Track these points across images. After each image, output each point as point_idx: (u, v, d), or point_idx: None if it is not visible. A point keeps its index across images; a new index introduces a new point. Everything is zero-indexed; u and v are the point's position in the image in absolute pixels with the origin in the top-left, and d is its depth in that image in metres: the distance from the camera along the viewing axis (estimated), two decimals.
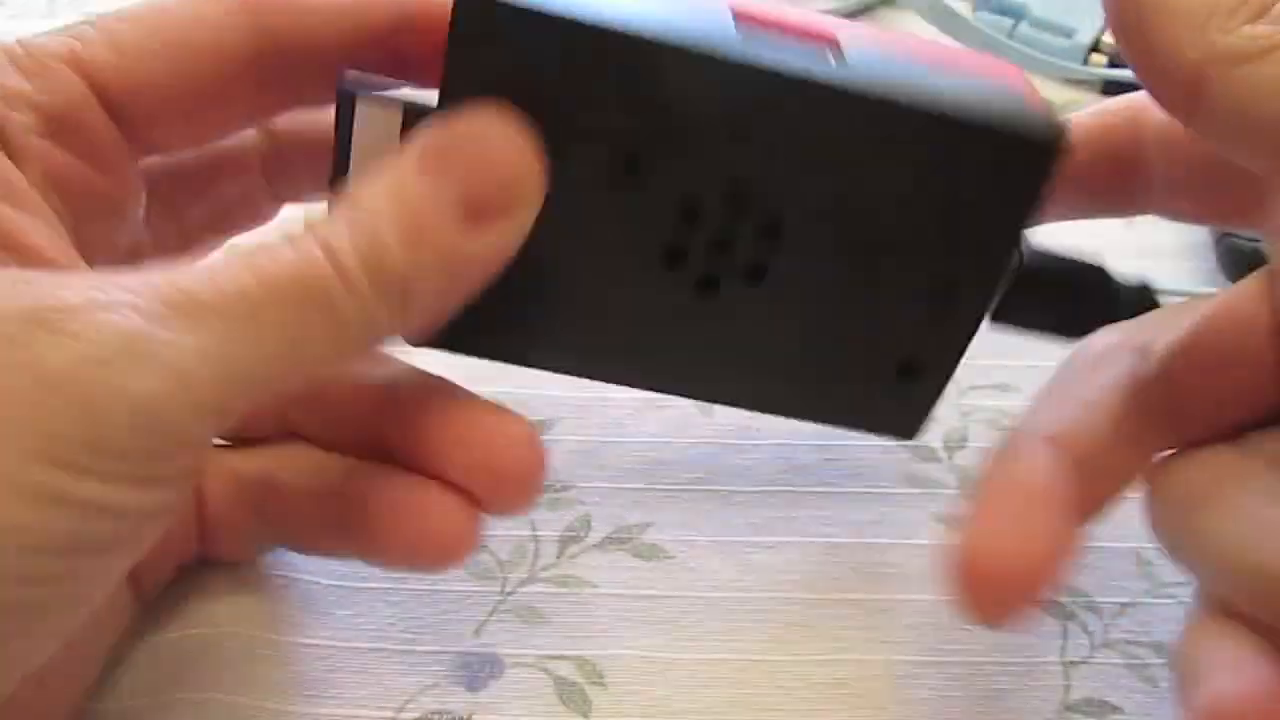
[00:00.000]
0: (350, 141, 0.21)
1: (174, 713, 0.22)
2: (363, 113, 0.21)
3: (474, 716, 0.22)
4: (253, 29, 0.21)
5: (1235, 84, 0.17)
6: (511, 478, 0.21)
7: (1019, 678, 0.23)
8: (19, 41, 0.20)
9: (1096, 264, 0.24)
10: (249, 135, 0.24)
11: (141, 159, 0.22)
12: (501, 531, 0.26)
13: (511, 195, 0.19)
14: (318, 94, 0.22)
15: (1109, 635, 0.24)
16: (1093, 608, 0.25)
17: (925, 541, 0.26)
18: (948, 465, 0.28)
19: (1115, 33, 0.18)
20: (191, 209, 0.24)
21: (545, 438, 0.28)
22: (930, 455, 0.28)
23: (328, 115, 0.21)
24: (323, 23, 0.21)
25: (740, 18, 0.20)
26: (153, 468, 0.17)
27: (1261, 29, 0.17)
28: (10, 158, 0.19)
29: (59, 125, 0.20)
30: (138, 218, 0.22)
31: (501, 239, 0.19)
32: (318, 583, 0.25)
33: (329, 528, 0.23)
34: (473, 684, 0.23)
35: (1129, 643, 0.24)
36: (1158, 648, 0.24)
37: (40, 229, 0.19)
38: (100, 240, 0.21)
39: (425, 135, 0.19)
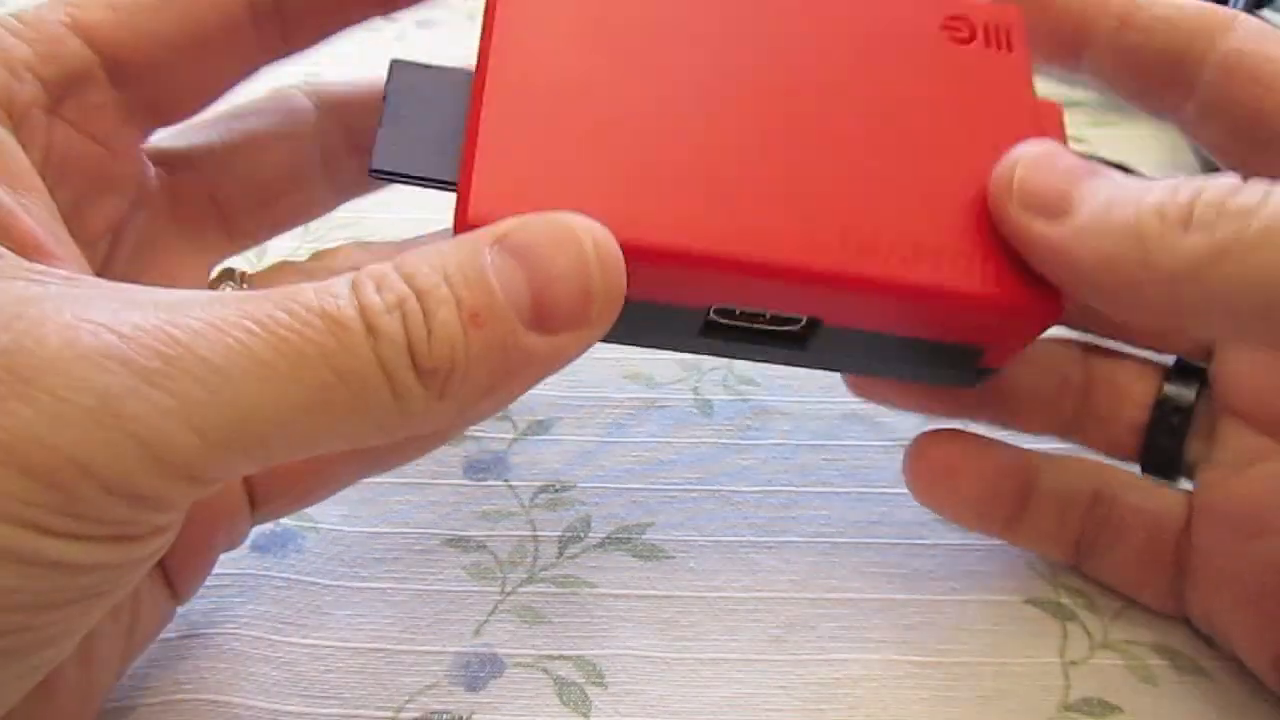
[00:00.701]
0: (389, 110, 0.21)
1: (173, 713, 0.22)
2: (400, 77, 0.21)
3: (474, 716, 0.22)
4: None
5: (1204, 294, 0.17)
6: None
7: (1019, 678, 0.23)
8: (13, 14, 0.20)
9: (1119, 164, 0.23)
10: (306, 119, 0.24)
11: (146, 131, 0.21)
12: (502, 531, 0.26)
13: (588, 312, 0.18)
14: (318, 31, 0.22)
15: (1109, 635, 0.24)
16: (1093, 608, 0.25)
17: (926, 541, 0.26)
18: None
19: (1073, 293, 0.20)
20: (235, 193, 0.24)
21: (545, 438, 0.29)
22: None
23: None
24: None
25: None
26: (125, 528, 0.16)
27: (1198, 238, 0.17)
28: (14, 133, 0.19)
29: (63, 96, 0.20)
30: (140, 192, 0.22)
31: (565, 349, 0.18)
32: (317, 583, 0.25)
33: None
34: (472, 684, 0.23)
35: (1129, 642, 0.24)
36: (1157, 648, 0.24)
37: (36, 212, 0.18)
38: (98, 217, 0.21)
39: (513, 222, 0.18)
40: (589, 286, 0.18)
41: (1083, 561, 0.25)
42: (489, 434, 0.29)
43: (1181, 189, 0.18)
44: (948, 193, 0.21)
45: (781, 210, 0.20)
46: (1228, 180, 0.18)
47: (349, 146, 0.24)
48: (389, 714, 0.22)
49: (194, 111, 0.22)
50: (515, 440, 0.28)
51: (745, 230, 0.20)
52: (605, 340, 0.19)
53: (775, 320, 0.21)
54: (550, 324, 0.17)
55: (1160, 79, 0.22)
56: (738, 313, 0.21)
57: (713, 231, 0.20)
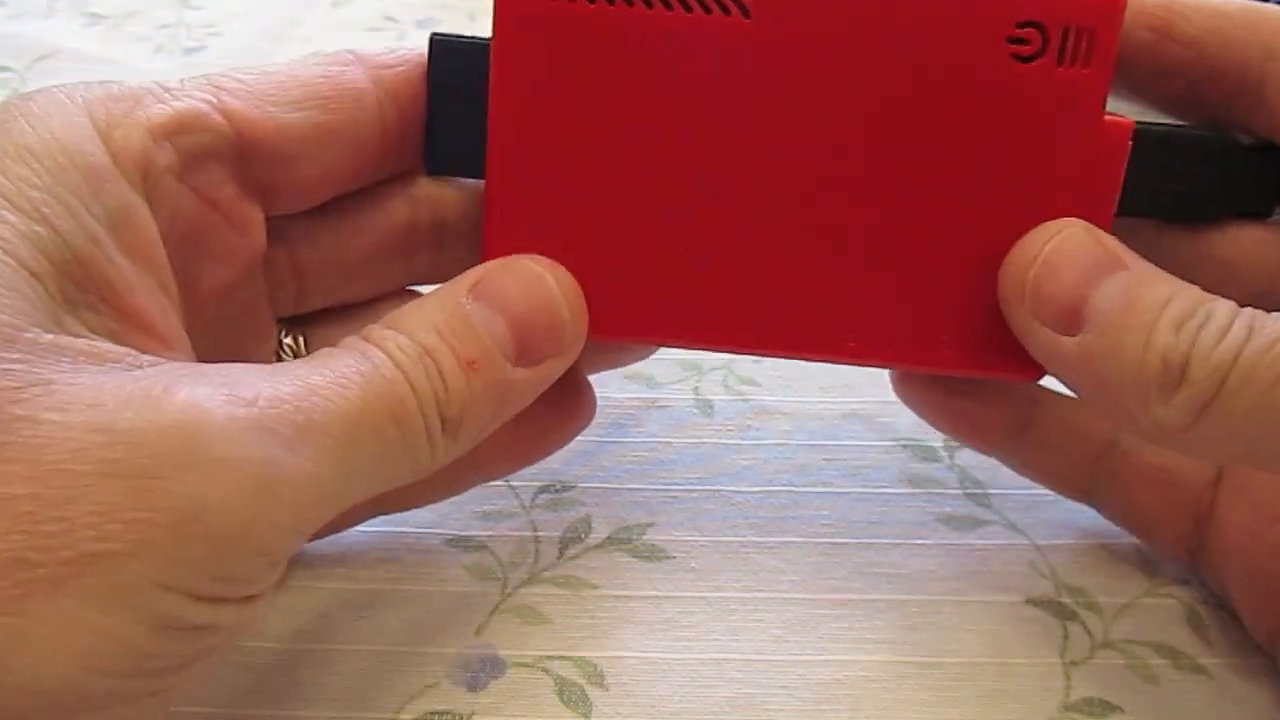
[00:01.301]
0: (434, 100, 0.21)
1: None
2: (441, 57, 0.21)
3: (474, 716, 0.22)
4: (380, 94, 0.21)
5: (1195, 444, 0.19)
6: None
7: (1020, 678, 0.23)
8: (160, 83, 0.20)
9: (1212, 129, 0.22)
10: (402, 206, 0.24)
11: (265, 211, 0.21)
12: (503, 532, 0.26)
13: (562, 341, 0.21)
14: None
15: (1110, 635, 0.24)
16: (1093, 607, 0.25)
17: (926, 541, 0.26)
18: (948, 465, 0.28)
19: (1072, 390, 0.21)
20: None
21: None
22: (930, 455, 0.28)
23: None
24: None
25: None
26: (256, 587, 0.17)
27: (1187, 394, 0.18)
28: (145, 197, 0.19)
29: (196, 167, 0.20)
30: (252, 272, 0.22)
31: (547, 376, 0.21)
32: (318, 587, 0.25)
33: None
34: (473, 684, 0.23)
35: (1130, 642, 0.24)
36: (1159, 647, 0.24)
37: (149, 287, 0.18)
38: (210, 282, 0.21)
39: (479, 271, 0.20)
40: (560, 319, 0.21)
41: (1093, 498, 0.25)
42: None
43: (1187, 327, 0.18)
44: (957, 270, 0.21)
45: (772, 303, 0.21)
46: (1224, 313, 0.18)
47: (433, 231, 0.24)
48: (389, 714, 0.22)
49: (311, 204, 0.22)
50: None
51: (720, 326, 0.21)
52: None
53: None
54: (532, 357, 0.20)
55: (1213, 95, 0.21)
56: None
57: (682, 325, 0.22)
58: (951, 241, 0.21)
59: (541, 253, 0.21)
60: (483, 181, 0.22)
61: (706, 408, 0.30)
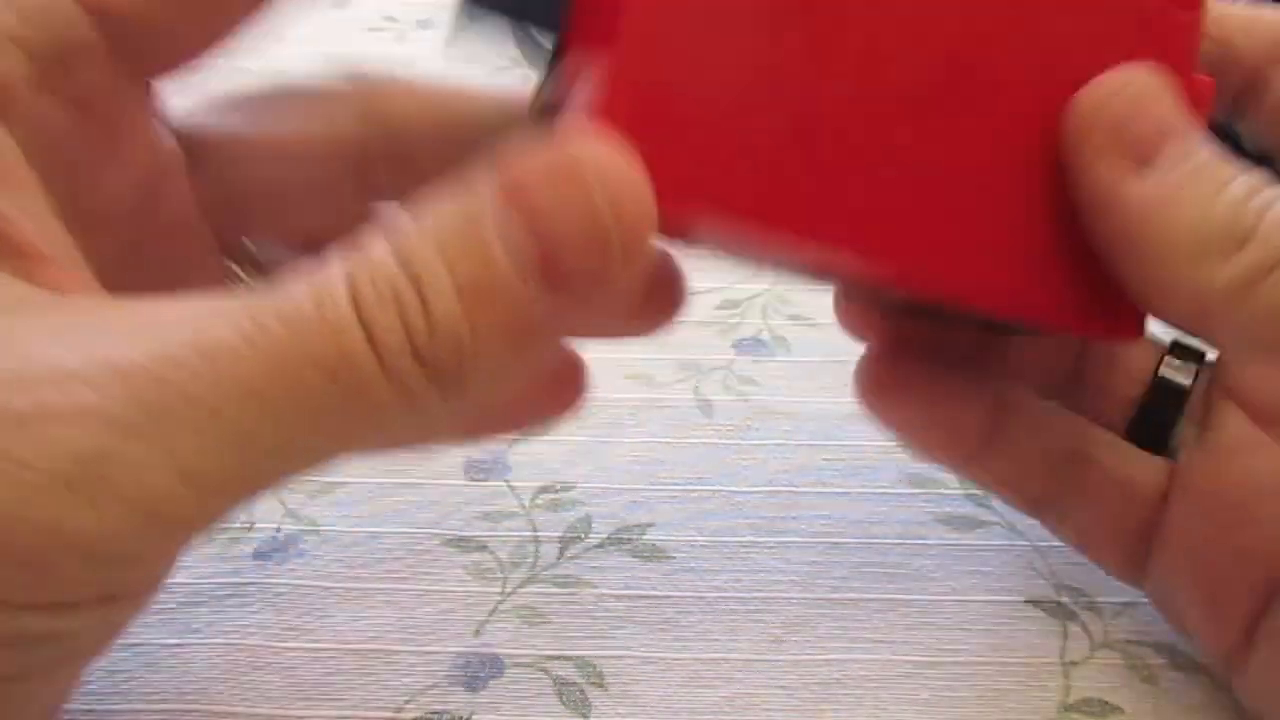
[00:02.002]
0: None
1: None
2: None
3: (474, 717, 0.22)
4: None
5: (1245, 315, 0.17)
6: None
7: (1019, 678, 0.23)
8: None
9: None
10: (347, 125, 0.21)
11: (147, 91, 0.19)
12: (502, 532, 0.26)
13: (607, 267, 0.15)
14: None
15: (1109, 635, 0.24)
16: (1093, 608, 0.25)
17: (925, 541, 0.26)
18: None
19: (1100, 245, 0.19)
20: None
21: (546, 438, 0.29)
22: None
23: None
24: None
25: None
26: (114, 588, 0.15)
27: (1252, 255, 0.17)
28: (0, 117, 0.16)
29: (55, 69, 0.17)
30: (155, 167, 0.20)
31: (576, 310, 0.15)
32: (318, 586, 0.25)
33: None
34: (472, 684, 0.23)
35: (1129, 642, 0.24)
36: (1158, 647, 0.24)
37: (25, 207, 0.16)
38: (102, 200, 0.18)
39: (511, 165, 0.15)
40: (604, 238, 0.15)
41: (1043, 515, 0.24)
42: None
43: (1259, 197, 0.18)
44: (1054, 217, 0.20)
45: (890, 200, 0.18)
46: None
47: (389, 156, 0.21)
48: (389, 714, 0.22)
49: (193, 58, 0.19)
50: (516, 440, 0.28)
51: (857, 226, 0.18)
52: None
53: None
54: (563, 286, 0.15)
55: (1231, 89, 0.22)
56: None
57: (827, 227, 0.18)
58: (1047, 188, 0.20)
59: (647, 124, 0.16)
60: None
61: (707, 407, 0.30)
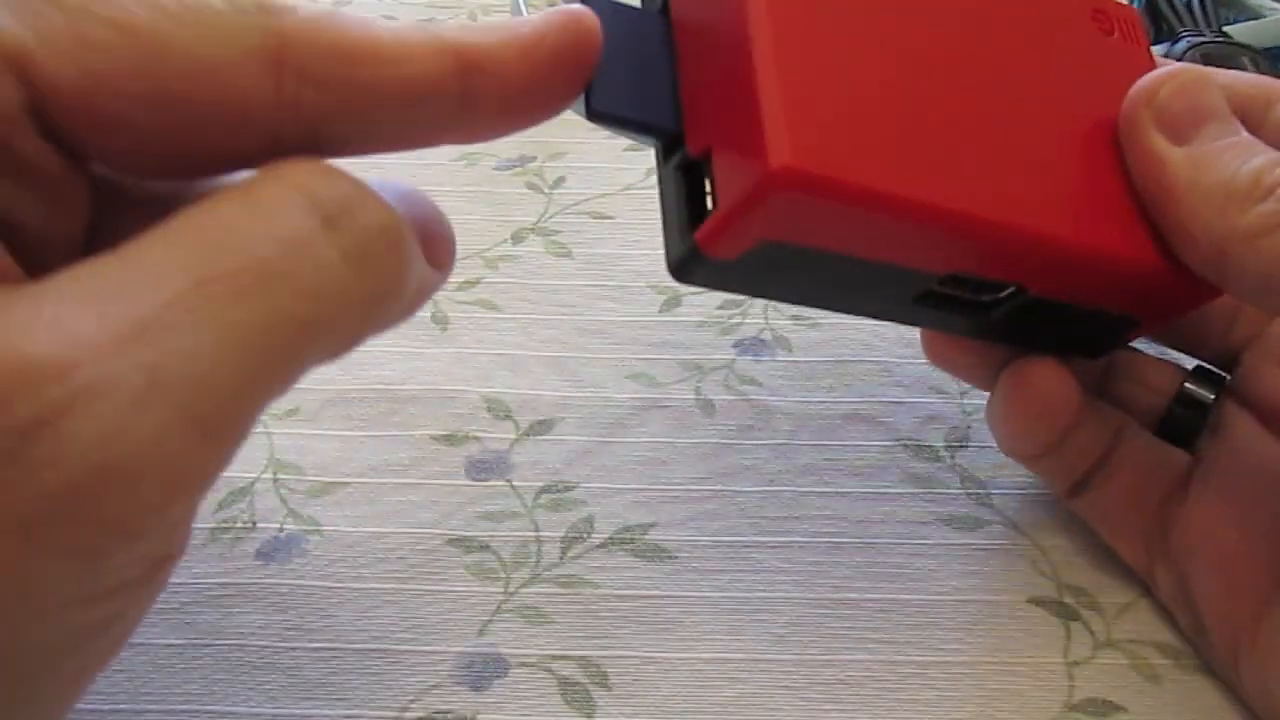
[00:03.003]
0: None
1: None
2: (599, 15, 0.20)
3: (478, 716, 0.22)
4: (281, 106, 0.16)
5: (1254, 257, 0.20)
6: None
7: (1023, 678, 0.23)
8: None
9: None
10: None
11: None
12: (505, 532, 0.26)
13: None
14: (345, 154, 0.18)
15: (1112, 635, 0.24)
16: (1095, 607, 0.25)
17: (928, 541, 0.26)
18: (949, 465, 0.28)
19: (1146, 206, 0.22)
20: None
21: (547, 438, 0.28)
22: (931, 455, 0.28)
23: None
24: (374, 103, 0.17)
25: None
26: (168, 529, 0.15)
27: (1271, 205, 0.20)
28: None
29: None
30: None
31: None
32: (321, 586, 0.25)
33: None
34: (477, 684, 0.23)
35: (1132, 642, 0.24)
36: (1161, 647, 0.24)
37: None
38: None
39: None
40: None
41: (1078, 499, 0.26)
42: (491, 434, 0.29)
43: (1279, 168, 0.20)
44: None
45: (1018, 178, 0.21)
46: None
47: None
48: (393, 714, 0.22)
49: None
50: (517, 440, 0.28)
51: (999, 197, 0.20)
52: (807, 303, 0.22)
53: (983, 288, 0.22)
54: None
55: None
56: (963, 280, 0.22)
57: (980, 198, 0.20)
58: (1099, 161, 0.22)
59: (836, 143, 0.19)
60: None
61: (708, 407, 0.30)
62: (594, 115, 0.20)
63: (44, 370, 0.14)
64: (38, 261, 0.16)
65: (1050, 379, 0.24)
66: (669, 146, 0.21)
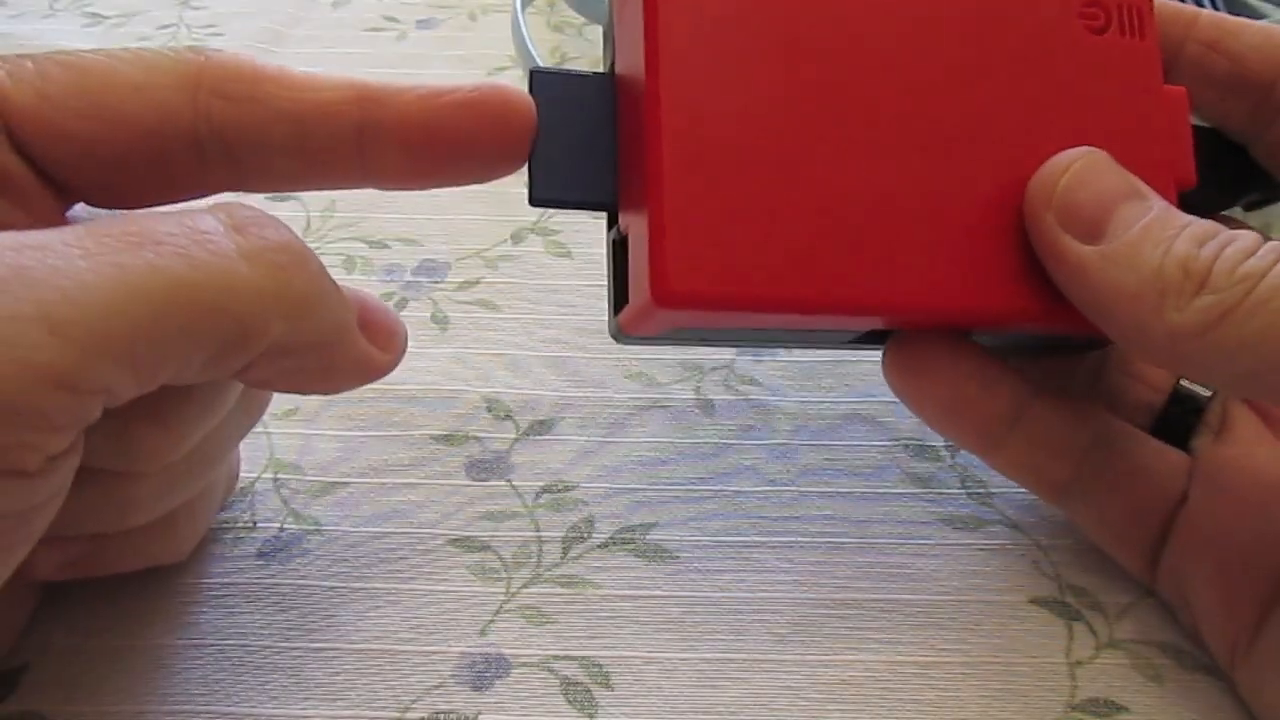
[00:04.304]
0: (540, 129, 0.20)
1: None
2: (544, 88, 0.21)
3: (480, 716, 0.22)
4: (196, 116, 0.19)
5: (1214, 353, 0.18)
6: None
7: (1025, 678, 0.23)
8: None
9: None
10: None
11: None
12: (506, 532, 0.26)
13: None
14: (270, 181, 0.21)
15: (1114, 635, 0.24)
16: (1098, 607, 0.25)
17: (928, 541, 0.26)
18: (949, 465, 0.28)
19: (1095, 320, 0.20)
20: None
21: (547, 438, 0.28)
22: (932, 455, 0.28)
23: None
24: (273, 117, 0.20)
25: None
26: (13, 458, 0.15)
27: (1208, 299, 0.18)
28: None
29: None
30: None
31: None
32: (323, 586, 0.25)
33: None
34: (478, 684, 0.23)
35: (1134, 642, 0.24)
36: (1163, 647, 0.24)
37: None
38: None
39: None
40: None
41: (1065, 503, 0.25)
42: (491, 434, 0.29)
43: (1210, 244, 0.19)
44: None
45: (920, 254, 0.20)
46: (1250, 239, 0.19)
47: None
48: (394, 714, 0.22)
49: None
50: (517, 440, 0.28)
51: (893, 279, 0.20)
52: (776, 343, 0.23)
53: None
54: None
55: (1245, 105, 0.23)
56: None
57: (871, 284, 0.20)
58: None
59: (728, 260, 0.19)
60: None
61: (708, 407, 0.30)
62: (536, 203, 0.20)
63: None
64: None
65: (935, 350, 0.23)
66: (612, 215, 0.21)
